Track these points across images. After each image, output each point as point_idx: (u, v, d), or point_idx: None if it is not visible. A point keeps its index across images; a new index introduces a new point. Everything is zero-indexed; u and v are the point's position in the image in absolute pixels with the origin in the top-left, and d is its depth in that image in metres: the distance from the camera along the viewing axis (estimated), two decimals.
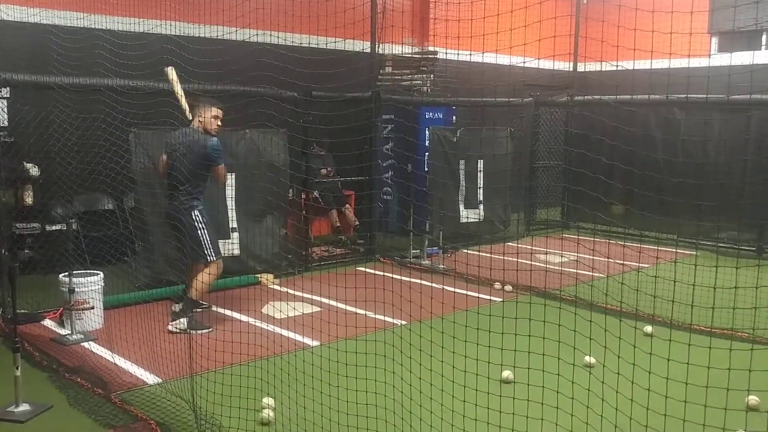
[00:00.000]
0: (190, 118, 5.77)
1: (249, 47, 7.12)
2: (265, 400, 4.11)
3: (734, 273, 3.58)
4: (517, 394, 3.59)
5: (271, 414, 4.02)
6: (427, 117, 9.95)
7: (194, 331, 5.52)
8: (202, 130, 5.75)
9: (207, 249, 5.73)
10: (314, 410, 3.91)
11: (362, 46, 8.79)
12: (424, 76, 9.78)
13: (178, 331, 5.60)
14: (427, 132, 9.42)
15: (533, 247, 9.22)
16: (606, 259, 7.37)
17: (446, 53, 9.83)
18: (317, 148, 9.00)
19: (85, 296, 5.68)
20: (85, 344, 5.38)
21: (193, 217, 5.70)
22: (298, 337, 5.57)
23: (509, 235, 10.19)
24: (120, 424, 3.95)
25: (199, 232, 5.71)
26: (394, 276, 7.52)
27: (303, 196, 8.28)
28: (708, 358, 3.27)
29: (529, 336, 3.48)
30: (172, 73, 5.72)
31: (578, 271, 7.44)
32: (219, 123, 5.83)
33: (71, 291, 5.51)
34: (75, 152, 6.46)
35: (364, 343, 4.41)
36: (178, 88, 5.74)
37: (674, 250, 8.73)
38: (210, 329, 5.63)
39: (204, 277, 5.71)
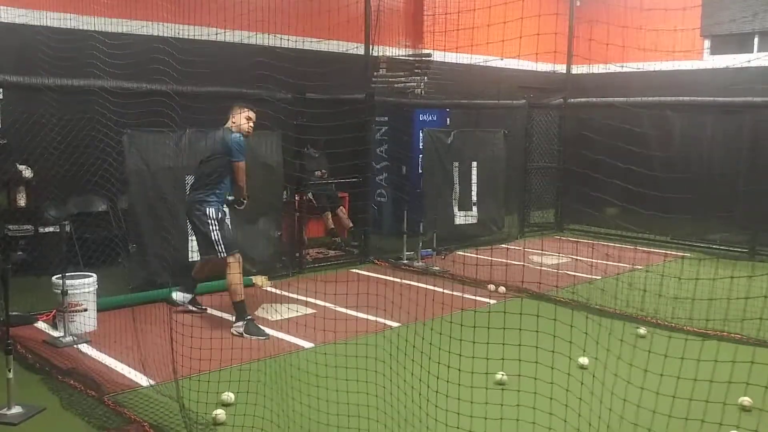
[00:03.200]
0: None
1: (243, 48, 7.13)
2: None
3: (728, 274, 3.59)
4: (512, 396, 3.59)
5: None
6: (421, 119, 9.98)
7: (249, 336, 5.55)
8: (236, 130, 5.86)
9: (218, 245, 5.76)
10: (309, 412, 3.90)
11: (356, 47, 8.80)
12: (418, 78, 9.80)
13: (237, 335, 5.60)
14: (421, 134, 9.44)
15: (527, 249, 9.23)
16: (600, 261, 7.41)
17: (444, 55, 9.86)
18: (311, 150, 9.00)
19: (79, 298, 5.65)
20: (78, 346, 5.35)
21: (207, 213, 5.76)
22: (293, 339, 5.56)
23: (503, 236, 10.21)
24: (113, 427, 3.93)
25: (209, 227, 5.75)
26: (388, 278, 7.52)
27: (297, 197, 8.27)
28: (700, 360, 3.28)
29: (518, 337, 3.49)
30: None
31: (572, 272, 7.46)
32: (251, 124, 5.94)
33: (64, 293, 5.49)
34: (68, 154, 6.44)
35: (359, 346, 4.41)
36: None
37: (668, 252, 8.77)
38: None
39: (229, 278, 5.74)
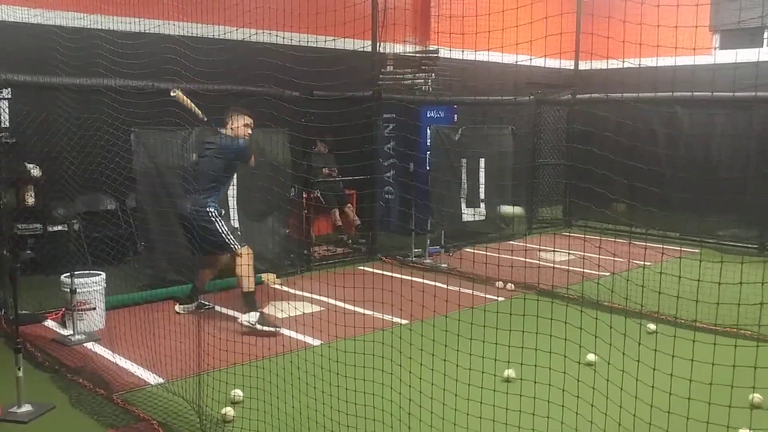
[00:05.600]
0: (204, 117, 5.86)
1: (250, 46, 7.11)
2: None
3: (737, 270, 3.57)
4: (520, 393, 3.58)
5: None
6: (428, 116, 9.94)
7: (262, 327, 5.58)
8: (234, 136, 5.91)
9: (230, 240, 5.80)
10: (317, 409, 3.90)
11: (364, 44, 8.77)
12: (426, 75, 9.76)
13: (249, 325, 5.60)
14: (428, 131, 9.42)
15: (536, 246, 9.20)
16: (609, 257, 7.37)
17: (452, 51, 9.83)
18: (320, 146, 8.99)
19: (87, 297, 5.68)
20: (87, 345, 5.37)
21: (209, 214, 5.78)
22: (300, 337, 5.56)
23: (511, 233, 10.18)
24: (122, 425, 3.94)
25: (216, 225, 5.78)
26: (396, 275, 7.50)
27: (304, 195, 8.27)
28: (712, 355, 3.26)
29: (527, 333, 3.47)
30: (179, 94, 5.80)
31: (580, 269, 7.43)
32: (250, 131, 6.03)
33: (73, 292, 5.51)
34: (76, 152, 6.46)
35: (367, 343, 4.40)
36: (188, 102, 5.82)
37: (677, 248, 8.73)
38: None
39: (242, 269, 5.76)
